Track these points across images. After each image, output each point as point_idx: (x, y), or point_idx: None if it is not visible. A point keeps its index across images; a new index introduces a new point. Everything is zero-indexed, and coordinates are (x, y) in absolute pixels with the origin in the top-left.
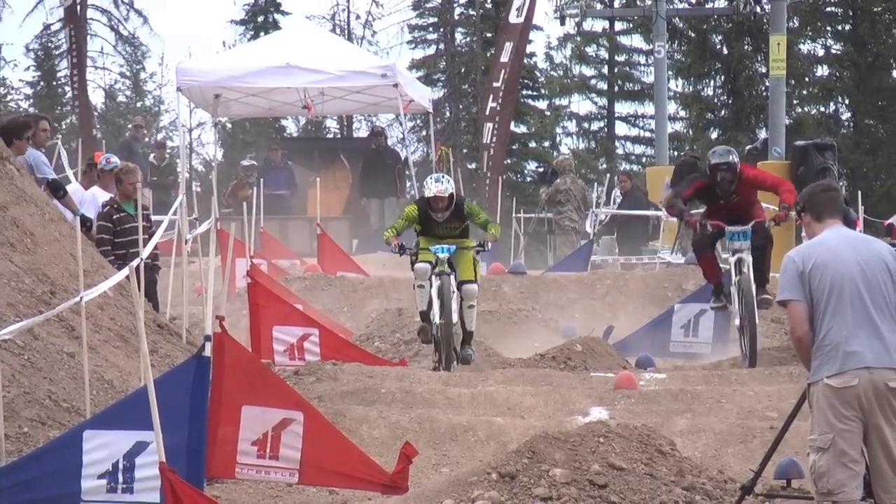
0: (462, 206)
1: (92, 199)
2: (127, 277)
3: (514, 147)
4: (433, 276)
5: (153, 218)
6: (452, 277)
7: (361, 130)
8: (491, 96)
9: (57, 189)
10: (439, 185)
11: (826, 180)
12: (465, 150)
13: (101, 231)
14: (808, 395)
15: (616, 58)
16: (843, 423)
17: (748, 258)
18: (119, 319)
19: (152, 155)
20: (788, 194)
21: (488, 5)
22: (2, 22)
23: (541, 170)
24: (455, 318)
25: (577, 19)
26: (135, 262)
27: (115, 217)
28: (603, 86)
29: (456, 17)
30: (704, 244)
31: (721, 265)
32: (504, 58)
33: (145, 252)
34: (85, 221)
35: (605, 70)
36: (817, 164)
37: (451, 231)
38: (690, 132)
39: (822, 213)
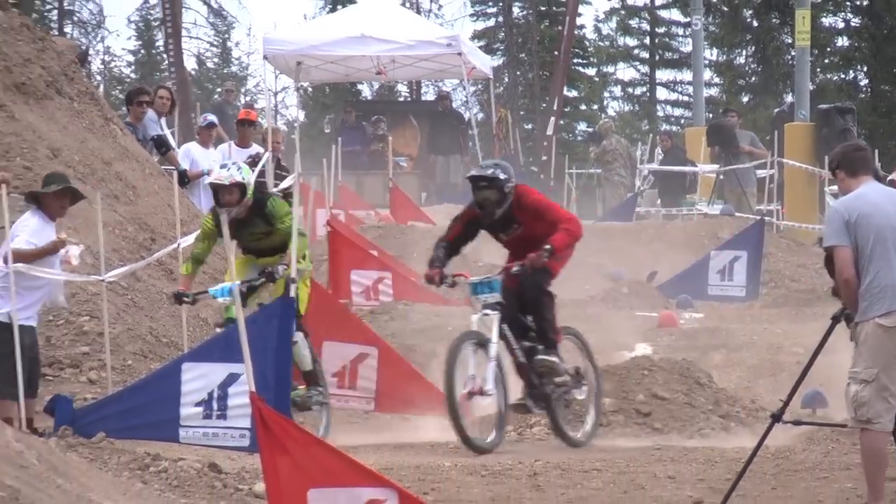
0: (264, 204)
1: (185, 152)
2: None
3: (566, 109)
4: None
5: None
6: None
7: (429, 94)
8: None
9: (160, 145)
10: (222, 171)
11: (856, 141)
12: (521, 113)
13: None
14: (856, 332)
15: (657, 30)
16: (888, 360)
17: (496, 319)
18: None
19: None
20: (561, 235)
21: None
22: None
23: (591, 130)
24: None
25: None
26: (224, 215)
27: (252, 168)
28: (645, 55)
29: None
30: None
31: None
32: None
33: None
34: (182, 175)
35: (647, 41)
36: (838, 125)
37: (258, 240)
38: (724, 97)
39: (857, 169)
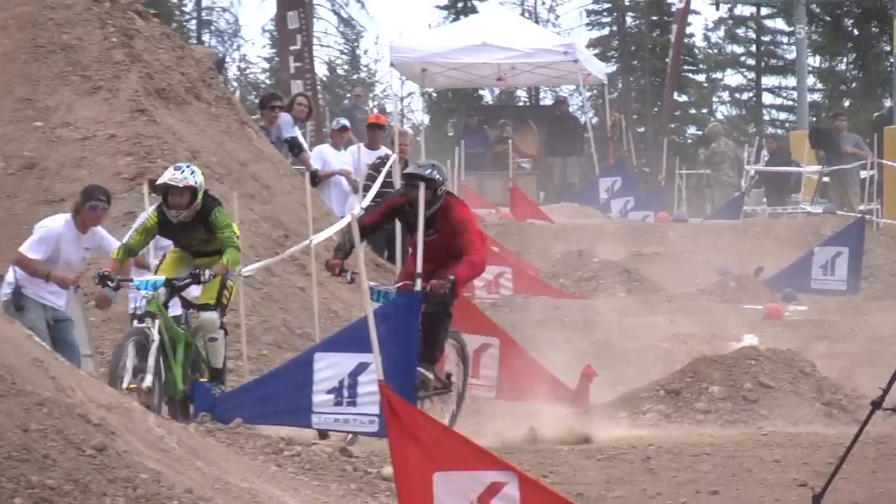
0: (209, 213)
1: (318, 153)
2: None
3: (676, 114)
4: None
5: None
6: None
7: (547, 99)
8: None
9: (294, 147)
10: (177, 173)
11: None
12: (634, 117)
13: (367, 178)
14: None
15: (762, 38)
16: None
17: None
18: None
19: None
20: (465, 269)
21: None
22: (241, 6)
23: (700, 133)
24: (150, 380)
25: (729, 5)
26: (355, 211)
27: (380, 168)
28: (751, 62)
29: (626, 3)
30: None
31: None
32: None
33: (365, 201)
34: (314, 175)
35: (753, 48)
36: None
37: (197, 245)
38: (826, 101)
39: None
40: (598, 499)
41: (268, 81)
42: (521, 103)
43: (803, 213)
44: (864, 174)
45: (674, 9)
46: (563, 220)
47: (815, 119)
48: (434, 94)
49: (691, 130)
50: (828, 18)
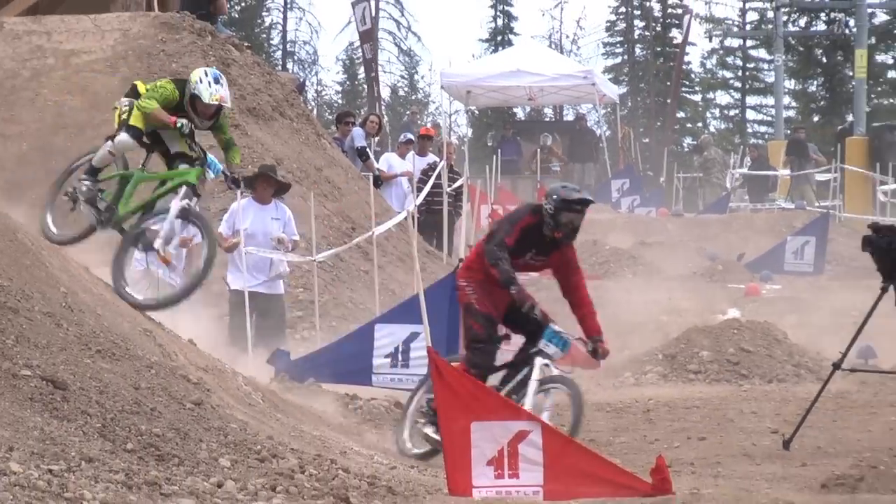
0: (220, 114)
1: (385, 160)
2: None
3: (675, 127)
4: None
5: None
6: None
7: (569, 116)
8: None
9: (362, 155)
10: (221, 90)
11: None
12: (641, 130)
13: (419, 182)
14: None
15: (747, 64)
16: None
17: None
18: (400, 247)
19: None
20: (598, 323)
21: (658, 28)
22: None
23: (694, 143)
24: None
25: (720, 37)
26: (410, 207)
27: (430, 173)
28: (738, 84)
29: (636, 37)
30: (490, 358)
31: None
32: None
33: (419, 199)
34: (377, 179)
35: (740, 73)
36: (888, 139)
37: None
38: (800, 117)
39: None
40: (606, 443)
41: (340, 101)
42: (547, 119)
43: (779, 208)
44: (826, 177)
45: (675, 41)
46: None
47: (789, 132)
48: (476, 112)
49: (687, 141)
50: (801, 49)
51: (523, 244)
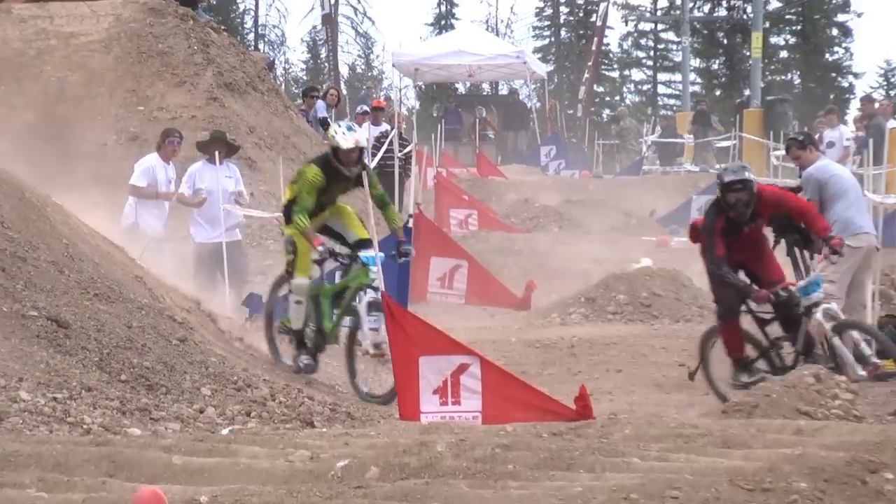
0: (362, 159)
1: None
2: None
3: (595, 100)
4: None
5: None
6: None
7: (503, 90)
8: (586, 71)
9: (324, 124)
10: (355, 134)
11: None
12: (566, 103)
13: (373, 147)
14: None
15: (658, 46)
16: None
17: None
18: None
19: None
20: (823, 222)
21: (580, 14)
22: (287, 23)
23: (612, 115)
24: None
25: (634, 22)
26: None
27: (382, 140)
28: (650, 63)
29: (561, 22)
30: (734, 308)
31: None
32: (592, 46)
33: (373, 163)
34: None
35: (652, 53)
36: (779, 111)
37: (339, 195)
38: (703, 92)
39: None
40: (535, 374)
41: (304, 78)
42: (485, 93)
43: (685, 171)
44: (725, 144)
45: (595, 24)
46: (514, 177)
47: (694, 104)
48: (423, 87)
49: (606, 112)
50: (705, 32)
51: (728, 237)
